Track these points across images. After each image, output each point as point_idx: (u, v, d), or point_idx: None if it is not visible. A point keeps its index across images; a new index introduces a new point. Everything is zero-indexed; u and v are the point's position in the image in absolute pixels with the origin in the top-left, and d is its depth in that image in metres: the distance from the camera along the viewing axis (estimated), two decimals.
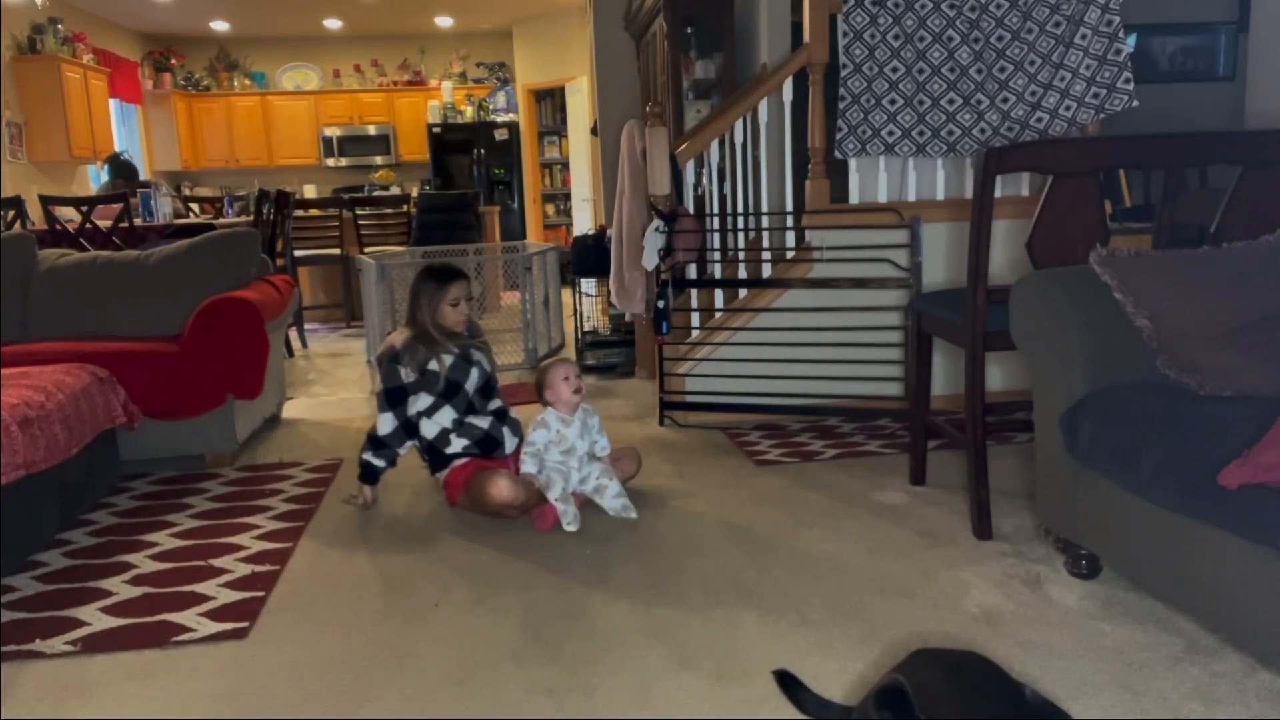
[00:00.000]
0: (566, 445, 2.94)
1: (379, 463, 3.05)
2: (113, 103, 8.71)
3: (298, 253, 6.94)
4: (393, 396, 3.03)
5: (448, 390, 3.06)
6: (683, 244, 3.98)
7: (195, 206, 8.67)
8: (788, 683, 1.83)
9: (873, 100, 3.84)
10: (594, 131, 7.40)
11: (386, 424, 3.03)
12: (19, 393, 2.71)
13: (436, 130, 10.23)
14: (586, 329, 5.51)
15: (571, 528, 2.80)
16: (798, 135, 4.02)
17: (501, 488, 2.84)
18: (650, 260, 4.01)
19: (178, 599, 2.41)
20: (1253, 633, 1.78)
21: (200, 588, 2.47)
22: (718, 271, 4.36)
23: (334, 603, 2.38)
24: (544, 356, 5.36)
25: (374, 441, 3.04)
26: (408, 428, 3.06)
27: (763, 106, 3.98)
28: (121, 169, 6.93)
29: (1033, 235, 2.53)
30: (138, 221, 6.10)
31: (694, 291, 4.15)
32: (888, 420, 3.82)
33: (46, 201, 5.74)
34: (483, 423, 3.07)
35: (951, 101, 3.82)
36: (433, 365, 3.05)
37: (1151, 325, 2.14)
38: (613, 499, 2.91)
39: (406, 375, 3.02)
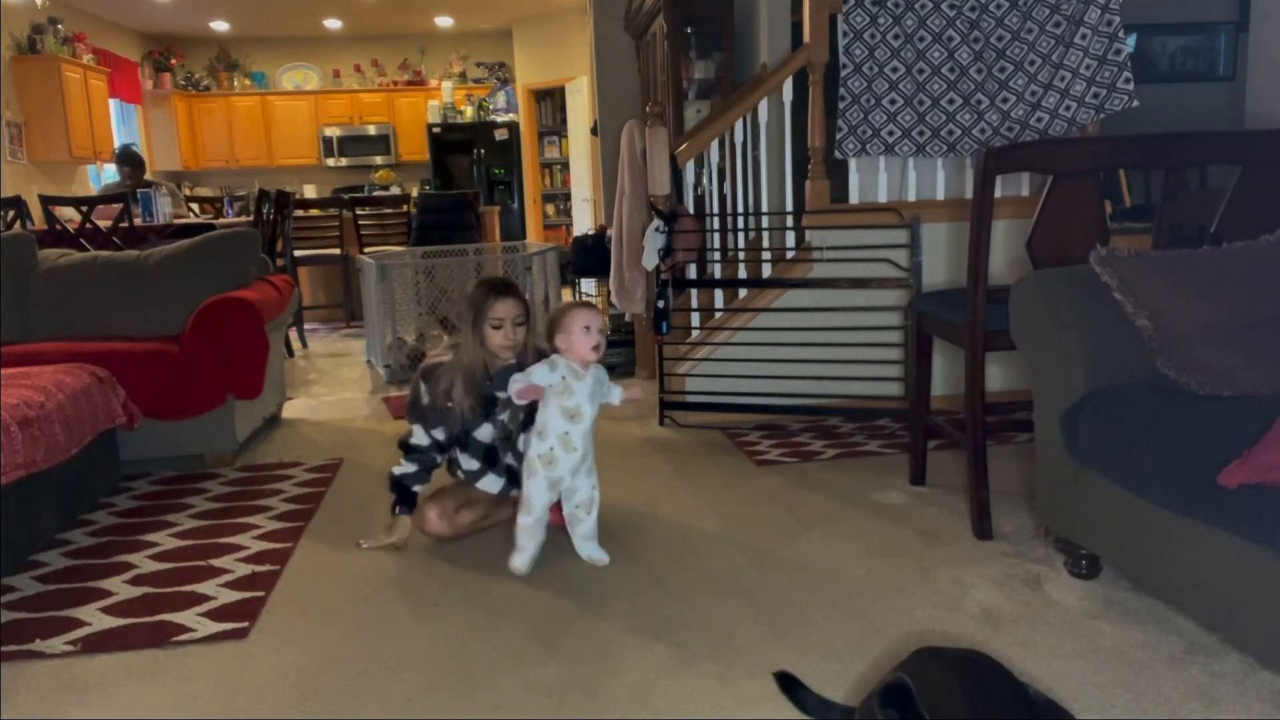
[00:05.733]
0: (573, 404, 2.50)
1: (409, 468, 2.71)
2: (113, 103, 8.70)
3: (298, 253, 6.94)
4: (415, 411, 2.73)
5: (458, 438, 2.78)
6: (683, 244, 3.98)
7: (195, 206, 8.67)
8: (788, 684, 1.83)
9: (873, 100, 3.84)
10: (594, 131, 7.40)
11: (418, 434, 2.73)
12: (19, 393, 2.71)
13: (436, 130, 10.23)
14: None
15: (518, 567, 2.50)
16: (798, 135, 4.02)
17: (429, 520, 2.70)
18: (650, 260, 4.01)
19: (178, 599, 2.41)
20: (1253, 633, 1.78)
21: (200, 588, 2.47)
22: (718, 271, 4.35)
23: (334, 603, 2.38)
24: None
25: (405, 446, 2.74)
26: (442, 446, 2.76)
27: (763, 106, 3.98)
28: (130, 160, 6.95)
29: (1033, 235, 2.53)
30: (138, 221, 6.09)
31: (694, 291, 4.15)
32: (888, 420, 3.82)
33: (46, 201, 5.74)
34: (495, 483, 2.79)
35: (951, 101, 3.82)
36: (450, 403, 2.70)
37: (1151, 325, 2.14)
38: (583, 541, 2.59)
39: (424, 396, 2.70)
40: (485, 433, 2.76)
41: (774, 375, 3.85)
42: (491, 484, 2.80)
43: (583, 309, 2.54)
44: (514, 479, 2.76)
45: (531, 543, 2.51)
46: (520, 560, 2.50)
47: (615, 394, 2.64)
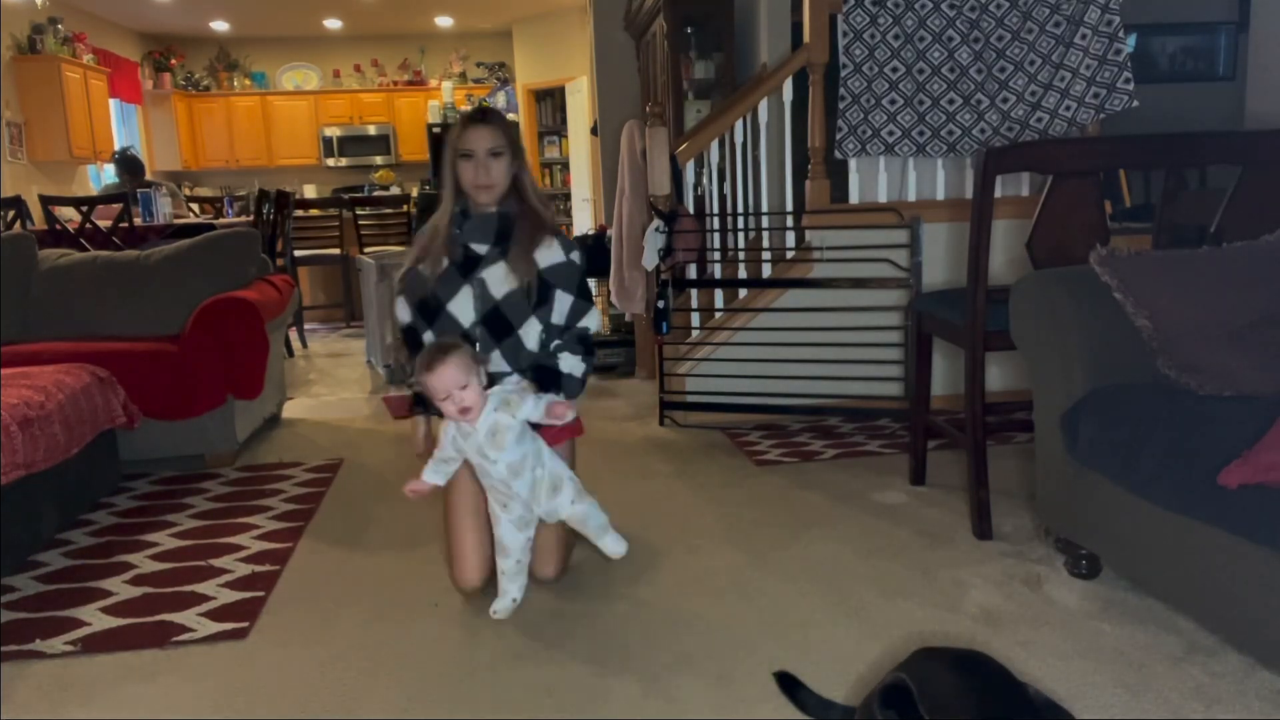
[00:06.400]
0: (476, 464, 2.15)
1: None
2: (113, 103, 8.69)
3: (298, 253, 6.94)
4: (403, 275, 2.35)
5: (425, 308, 2.27)
6: (683, 244, 3.98)
7: (195, 206, 8.66)
8: (788, 684, 1.83)
9: (873, 100, 3.84)
10: (594, 131, 7.40)
11: (400, 309, 2.36)
12: (19, 393, 2.71)
13: (436, 130, 10.20)
14: None
15: (498, 613, 2.21)
16: (798, 135, 4.02)
17: (468, 579, 2.30)
18: (650, 260, 4.01)
19: (178, 599, 2.41)
20: (1253, 633, 1.78)
21: (200, 588, 2.47)
22: (718, 271, 4.36)
23: (334, 603, 2.38)
24: None
25: (405, 336, 2.35)
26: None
27: (763, 106, 3.98)
28: (128, 164, 6.96)
29: (1033, 235, 2.53)
30: (138, 222, 6.09)
31: (694, 291, 4.15)
32: (888, 420, 3.82)
33: (46, 201, 5.74)
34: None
35: (951, 101, 3.82)
36: (424, 266, 2.27)
37: (1151, 325, 2.14)
38: (596, 534, 2.26)
39: (405, 261, 2.36)
40: (464, 307, 2.24)
41: (774, 375, 3.85)
42: None
43: (432, 370, 2.02)
44: (489, 384, 2.16)
45: (513, 586, 2.23)
46: (500, 605, 2.21)
47: (527, 408, 2.10)
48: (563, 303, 2.28)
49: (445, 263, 2.25)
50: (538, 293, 2.25)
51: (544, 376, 2.26)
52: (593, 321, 2.33)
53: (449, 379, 2.02)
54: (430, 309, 2.26)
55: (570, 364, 2.29)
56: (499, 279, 2.24)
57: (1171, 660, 1.93)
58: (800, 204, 4.06)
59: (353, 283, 7.23)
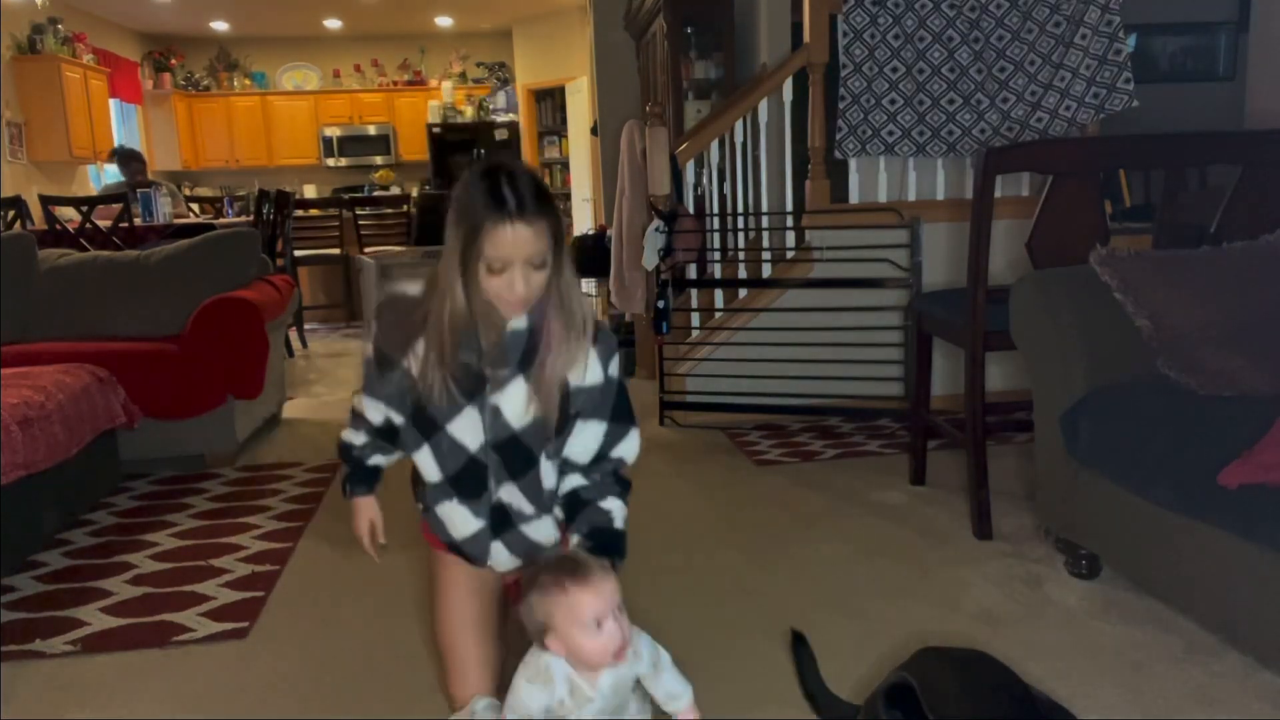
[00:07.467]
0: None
1: (358, 437, 1.74)
2: (113, 103, 8.69)
3: (298, 253, 6.93)
4: (366, 367, 1.69)
5: (419, 420, 1.64)
6: (683, 244, 3.98)
7: (195, 206, 8.66)
8: (799, 645, 1.83)
9: (873, 100, 3.84)
10: (594, 131, 7.40)
11: (368, 407, 1.71)
12: (19, 393, 2.71)
13: (436, 130, 10.22)
14: None
15: None
16: (798, 135, 4.02)
17: (470, 689, 1.68)
18: (650, 260, 4.01)
19: (178, 599, 2.41)
20: (1253, 633, 1.78)
21: (200, 588, 2.47)
22: (718, 271, 4.35)
23: (334, 603, 2.38)
24: None
25: (353, 411, 1.75)
26: (394, 433, 1.71)
27: (763, 106, 3.98)
28: (135, 155, 7.00)
29: (1033, 235, 2.53)
30: (138, 221, 6.09)
31: (694, 291, 4.15)
32: (888, 420, 3.82)
33: (46, 201, 5.74)
34: (466, 520, 1.66)
35: (951, 101, 3.82)
36: (409, 361, 1.61)
37: (1151, 325, 2.14)
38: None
39: (368, 347, 1.68)
40: (470, 430, 1.62)
41: (774, 375, 3.85)
42: (458, 518, 1.67)
43: (581, 588, 1.39)
44: (505, 522, 1.66)
45: None
46: None
47: (646, 666, 1.49)
48: (591, 432, 1.66)
49: (444, 376, 1.60)
50: (560, 416, 1.64)
51: (601, 540, 1.60)
52: (631, 449, 1.69)
53: (611, 595, 1.39)
54: (424, 423, 1.66)
55: (620, 515, 1.66)
56: (518, 404, 1.62)
57: (1171, 660, 1.93)
58: (800, 204, 4.06)
59: (353, 283, 7.23)
